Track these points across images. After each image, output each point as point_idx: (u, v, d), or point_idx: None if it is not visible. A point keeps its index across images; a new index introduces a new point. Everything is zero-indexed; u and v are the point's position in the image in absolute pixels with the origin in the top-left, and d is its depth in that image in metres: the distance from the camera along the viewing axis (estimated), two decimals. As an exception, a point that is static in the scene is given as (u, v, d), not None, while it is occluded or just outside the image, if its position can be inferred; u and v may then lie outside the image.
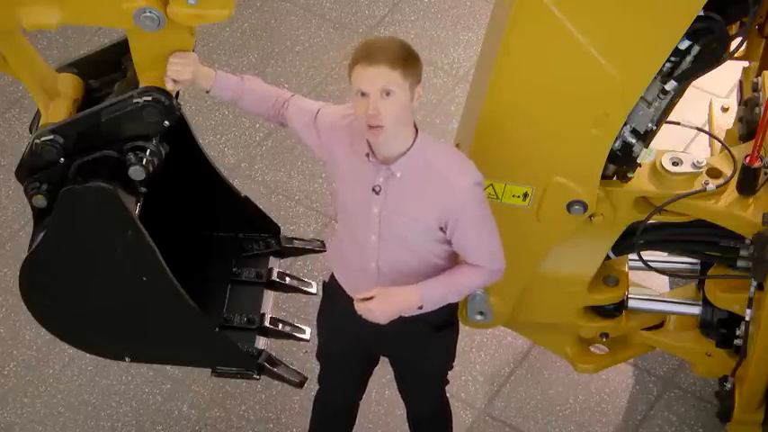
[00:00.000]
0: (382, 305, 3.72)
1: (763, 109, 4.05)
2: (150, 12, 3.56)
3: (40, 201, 3.88)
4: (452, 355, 4.12)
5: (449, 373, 4.19)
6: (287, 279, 4.44)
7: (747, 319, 4.20)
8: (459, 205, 3.66)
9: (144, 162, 3.81)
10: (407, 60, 3.53)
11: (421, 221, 3.69)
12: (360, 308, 3.73)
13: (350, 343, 3.86)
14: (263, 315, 4.32)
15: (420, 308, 3.76)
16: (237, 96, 3.87)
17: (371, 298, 3.71)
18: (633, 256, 4.28)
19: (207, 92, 3.86)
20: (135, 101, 3.74)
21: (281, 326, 4.33)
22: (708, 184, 4.01)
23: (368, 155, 3.65)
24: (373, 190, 3.68)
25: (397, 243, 3.74)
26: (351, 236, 3.81)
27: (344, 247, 3.87)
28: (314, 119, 3.81)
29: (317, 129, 3.81)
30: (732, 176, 4.02)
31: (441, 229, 3.70)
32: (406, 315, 3.78)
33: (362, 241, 3.76)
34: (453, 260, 3.81)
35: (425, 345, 3.95)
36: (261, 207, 4.46)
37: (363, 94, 3.52)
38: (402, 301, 3.74)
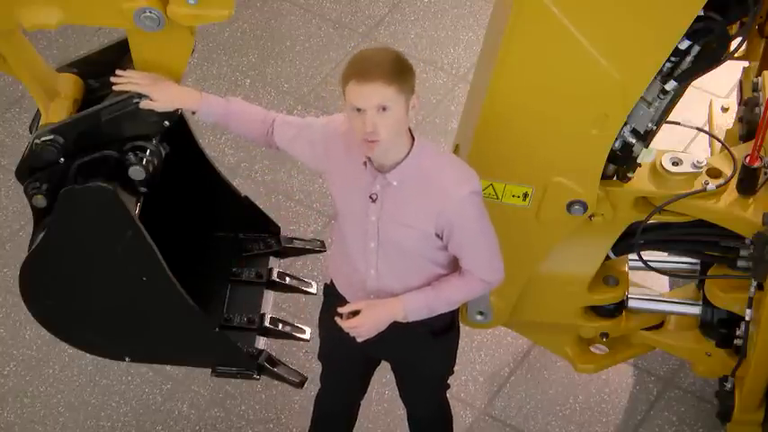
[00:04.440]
0: (367, 321, 3.75)
1: (763, 109, 4.05)
2: (150, 12, 3.56)
3: (40, 201, 3.87)
4: (453, 359, 4.11)
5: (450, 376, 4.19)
6: (287, 279, 4.44)
7: (747, 319, 4.20)
8: (455, 214, 3.64)
9: (144, 162, 3.82)
10: (402, 74, 3.49)
11: (417, 229, 3.67)
12: (345, 326, 3.76)
13: (350, 347, 3.86)
14: (263, 315, 4.32)
15: (405, 319, 3.77)
16: (224, 120, 3.82)
17: (357, 312, 3.75)
18: (633, 256, 4.28)
19: (193, 113, 3.82)
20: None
21: (281, 326, 4.33)
22: (708, 184, 4.01)
23: (365, 163, 3.65)
24: (370, 198, 3.68)
25: (396, 250, 3.73)
26: (350, 244, 3.80)
27: (344, 256, 3.86)
28: (303, 130, 3.80)
29: (308, 140, 3.79)
30: (732, 176, 4.03)
31: (437, 236, 3.69)
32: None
33: (362, 248, 3.76)
34: (453, 266, 3.80)
35: (425, 349, 3.94)
36: (261, 207, 4.46)
37: (359, 110, 3.49)
38: (386, 314, 3.76)
